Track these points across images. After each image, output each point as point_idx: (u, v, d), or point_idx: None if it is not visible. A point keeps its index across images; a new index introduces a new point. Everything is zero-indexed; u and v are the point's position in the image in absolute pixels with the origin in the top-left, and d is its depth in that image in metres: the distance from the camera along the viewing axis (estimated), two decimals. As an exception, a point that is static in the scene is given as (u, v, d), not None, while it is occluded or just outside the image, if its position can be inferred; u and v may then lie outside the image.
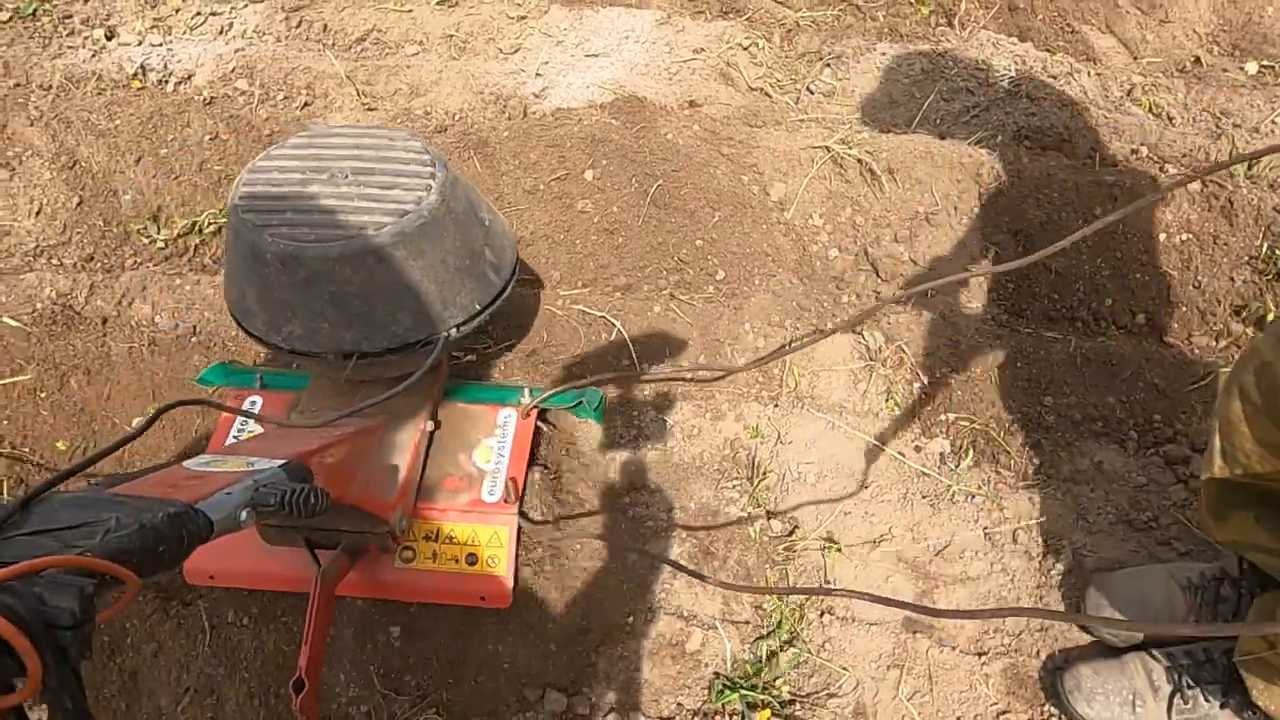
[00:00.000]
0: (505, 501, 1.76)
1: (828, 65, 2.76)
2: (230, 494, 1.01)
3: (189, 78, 2.72)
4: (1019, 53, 2.76)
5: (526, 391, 1.92)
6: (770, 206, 2.43)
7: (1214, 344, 2.35)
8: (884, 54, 2.71)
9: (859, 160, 2.43)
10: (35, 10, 2.92)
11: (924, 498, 1.97)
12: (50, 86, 2.64)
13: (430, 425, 1.79)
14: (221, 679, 1.77)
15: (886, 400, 2.13)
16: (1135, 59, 3.12)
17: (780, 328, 2.20)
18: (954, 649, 1.78)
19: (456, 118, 2.62)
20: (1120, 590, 1.76)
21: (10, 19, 2.90)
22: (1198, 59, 3.11)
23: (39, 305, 2.20)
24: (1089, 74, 2.83)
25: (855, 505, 1.96)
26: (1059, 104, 2.66)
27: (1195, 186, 2.41)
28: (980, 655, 1.78)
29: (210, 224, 2.44)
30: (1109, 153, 2.61)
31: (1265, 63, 3.09)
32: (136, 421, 2.11)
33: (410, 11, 2.91)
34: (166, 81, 2.71)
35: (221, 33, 2.87)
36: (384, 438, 1.69)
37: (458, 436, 1.85)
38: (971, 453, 2.06)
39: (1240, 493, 1.45)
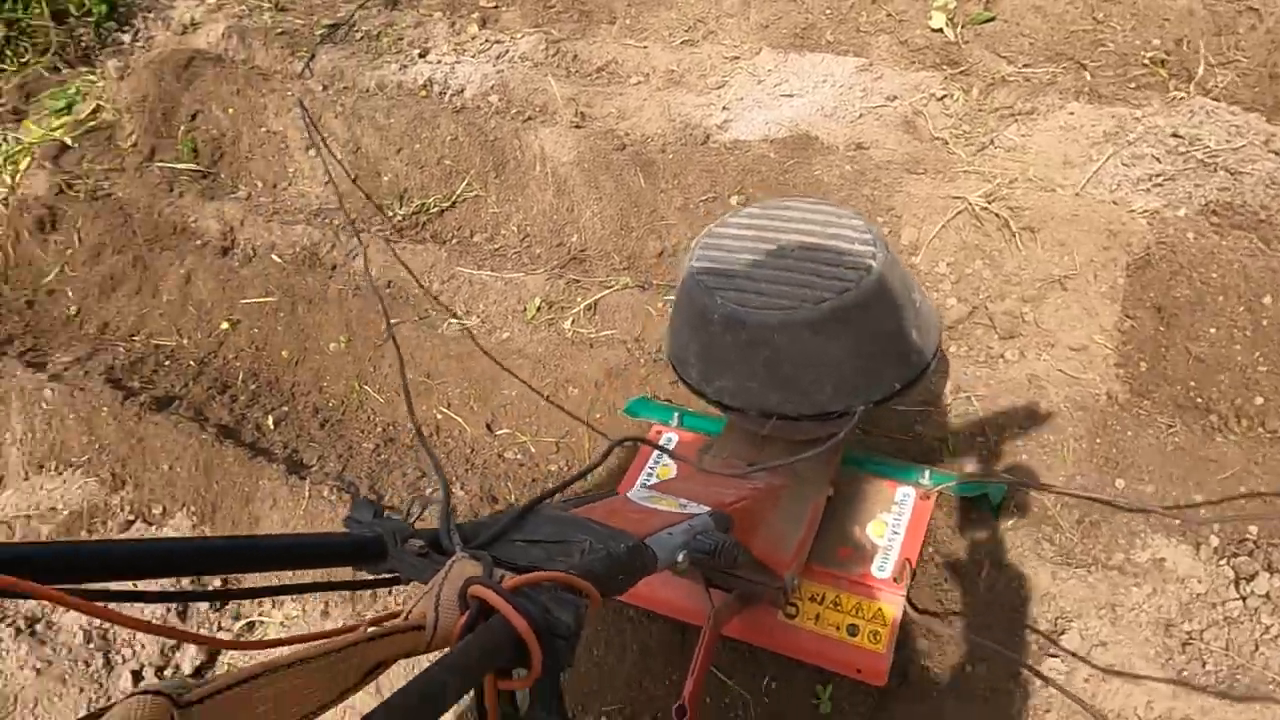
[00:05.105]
0: (895, 580, 1.76)
1: (1015, 121, 2.71)
2: (672, 535, 1.13)
3: (461, 91, 3.34)
4: (1238, 124, 2.51)
5: (927, 473, 1.94)
6: (899, 249, 2.49)
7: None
8: (1072, 113, 2.61)
9: (998, 215, 2.41)
10: (380, 33, 3.74)
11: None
12: (366, 90, 3.41)
13: (830, 491, 1.84)
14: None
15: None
16: None
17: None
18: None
19: (649, 141, 2.97)
20: None
21: (361, 37, 3.75)
22: None
23: (297, 249, 2.90)
24: (1334, 154, 2.49)
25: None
26: (1267, 182, 2.40)
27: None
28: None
29: (435, 206, 3.02)
30: (1319, 241, 2.31)
31: None
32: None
33: (646, 49, 3.31)
34: (445, 93, 3.36)
35: (498, 57, 3.47)
36: (788, 497, 1.74)
37: (854, 507, 1.89)
38: (1013, 518, 1.99)
39: None
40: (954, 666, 1.84)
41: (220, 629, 2.29)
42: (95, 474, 2.60)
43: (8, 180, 3.64)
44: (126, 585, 0.81)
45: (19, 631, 2.28)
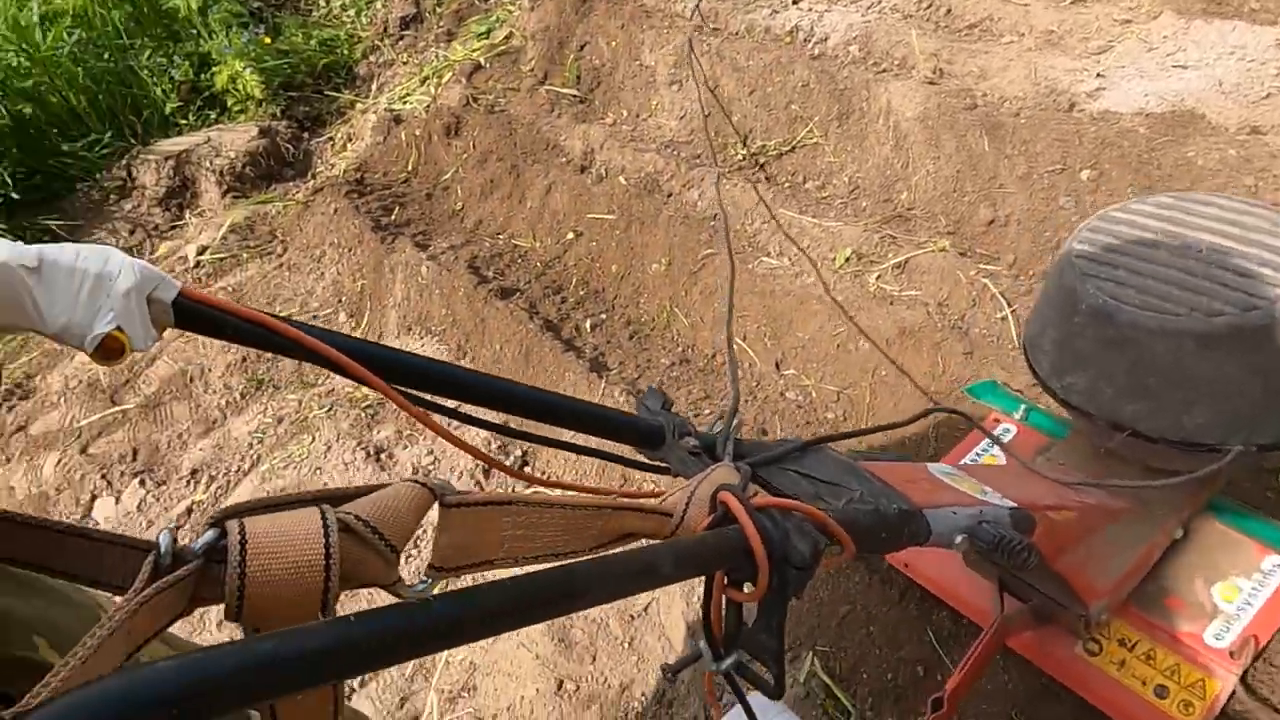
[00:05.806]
0: (1231, 655, 1.50)
1: None
2: (955, 514, 1.08)
3: (825, 39, 3.35)
4: None
5: None
6: (1275, 252, 2.15)
7: None
8: None
9: None
10: (761, -23, 3.84)
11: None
12: (735, 32, 3.54)
13: (1179, 533, 1.64)
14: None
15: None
16: None
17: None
18: None
19: (1004, 103, 2.79)
20: None
21: (743, -18, 3.88)
22: None
23: (641, 175, 3.12)
24: None
25: None
26: None
27: None
28: None
29: (775, 149, 3.09)
30: None
31: None
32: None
33: (1027, 6, 3.09)
34: (809, 40, 3.39)
35: (869, 7, 3.43)
36: (1121, 524, 1.57)
37: (1205, 559, 1.65)
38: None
39: None
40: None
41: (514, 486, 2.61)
42: (446, 343, 3.05)
43: (431, 91, 4.28)
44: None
45: (368, 455, 2.77)
